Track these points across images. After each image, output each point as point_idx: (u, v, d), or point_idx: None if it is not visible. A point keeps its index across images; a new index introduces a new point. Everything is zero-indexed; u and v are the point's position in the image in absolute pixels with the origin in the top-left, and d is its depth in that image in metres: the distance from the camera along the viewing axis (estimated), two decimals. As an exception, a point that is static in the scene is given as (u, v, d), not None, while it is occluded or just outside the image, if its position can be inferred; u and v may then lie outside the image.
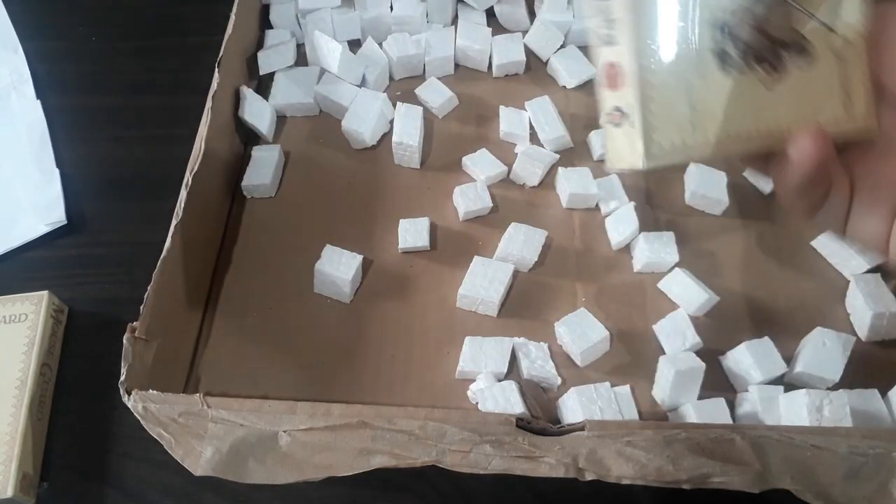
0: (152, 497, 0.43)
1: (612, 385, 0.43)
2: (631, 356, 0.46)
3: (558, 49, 0.60)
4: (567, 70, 0.59)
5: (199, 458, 0.38)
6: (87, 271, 0.53)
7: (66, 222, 0.54)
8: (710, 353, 0.45)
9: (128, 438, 0.45)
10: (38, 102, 0.61)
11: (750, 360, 0.43)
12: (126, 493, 0.44)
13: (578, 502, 0.42)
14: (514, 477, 0.37)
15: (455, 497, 0.43)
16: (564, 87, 0.59)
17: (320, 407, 0.37)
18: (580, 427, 0.36)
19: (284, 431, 0.37)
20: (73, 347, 0.49)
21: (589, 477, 0.36)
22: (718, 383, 0.45)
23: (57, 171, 0.57)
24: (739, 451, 0.35)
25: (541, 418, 0.40)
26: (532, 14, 0.62)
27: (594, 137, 0.55)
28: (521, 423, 0.36)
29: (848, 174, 0.30)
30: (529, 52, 0.61)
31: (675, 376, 0.42)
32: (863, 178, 0.30)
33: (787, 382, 0.44)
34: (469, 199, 0.52)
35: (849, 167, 0.30)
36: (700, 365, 0.43)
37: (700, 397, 0.43)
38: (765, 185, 0.53)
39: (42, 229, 0.54)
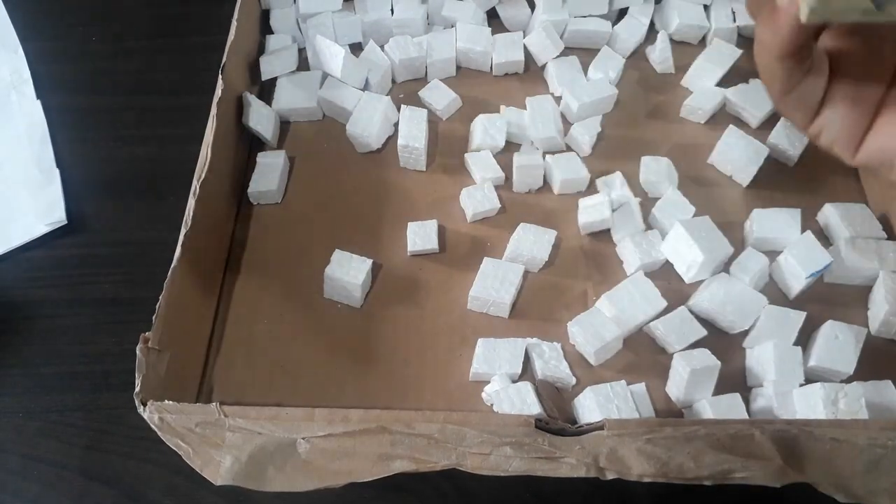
0: (152, 497, 0.43)
1: (627, 383, 0.43)
2: (643, 354, 0.46)
3: (557, 56, 0.59)
4: (559, 79, 0.58)
5: (219, 468, 0.38)
6: (87, 271, 0.52)
7: (66, 222, 0.54)
8: (717, 347, 0.45)
9: (128, 438, 0.45)
10: (38, 102, 0.60)
11: (772, 358, 0.43)
12: (126, 493, 0.43)
13: (578, 502, 0.42)
14: (513, 477, 0.37)
15: (455, 497, 0.43)
16: (553, 94, 0.59)
17: (338, 413, 0.36)
18: (600, 426, 0.36)
19: (303, 439, 0.37)
20: (74, 347, 0.49)
21: (610, 476, 0.36)
22: (730, 378, 0.45)
23: (57, 171, 0.56)
24: (759, 445, 0.35)
25: (558, 418, 0.40)
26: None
27: (577, 129, 0.55)
28: (540, 424, 0.36)
29: (831, 64, 0.29)
30: (529, 52, 0.61)
31: (690, 375, 0.42)
32: (848, 68, 0.29)
33: (801, 376, 0.44)
34: (476, 201, 0.52)
35: (835, 57, 0.29)
36: (715, 363, 0.43)
37: (713, 393, 0.43)
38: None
39: (42, 229, 0.53)
